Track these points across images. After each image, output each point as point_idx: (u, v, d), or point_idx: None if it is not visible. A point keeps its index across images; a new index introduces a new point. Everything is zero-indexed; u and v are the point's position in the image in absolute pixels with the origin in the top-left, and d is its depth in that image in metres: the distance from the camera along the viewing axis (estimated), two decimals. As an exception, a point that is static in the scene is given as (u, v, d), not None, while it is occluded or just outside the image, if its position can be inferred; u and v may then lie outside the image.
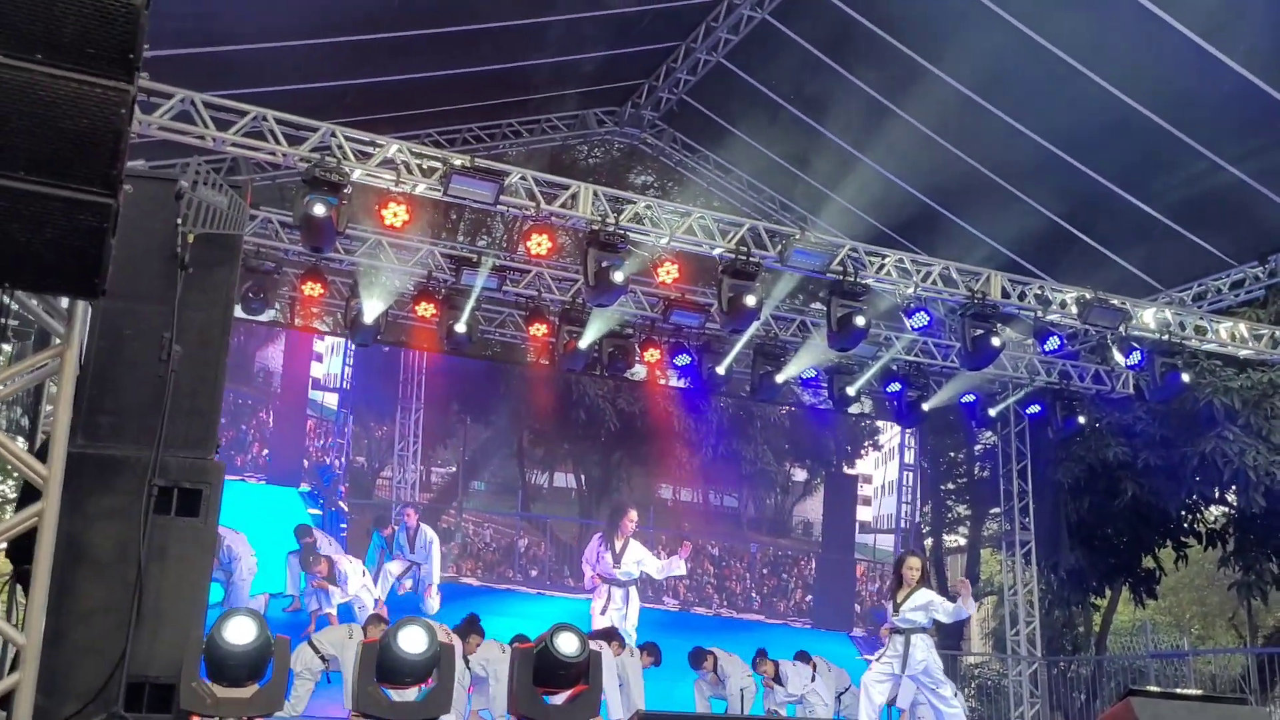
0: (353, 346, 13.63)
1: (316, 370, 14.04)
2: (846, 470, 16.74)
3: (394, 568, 13.32)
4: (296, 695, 10.08)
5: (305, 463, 13.73)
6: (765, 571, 15.70)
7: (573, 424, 14.83)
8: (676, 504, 15.59)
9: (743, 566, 15.65)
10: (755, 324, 11.66)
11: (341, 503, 13.66)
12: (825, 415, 15.97)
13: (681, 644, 12.98)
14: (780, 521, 16.19)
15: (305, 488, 13.51)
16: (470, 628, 11.32)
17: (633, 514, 13.85)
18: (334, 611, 12.59)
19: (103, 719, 4.46)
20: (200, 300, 5.36)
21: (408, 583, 13.35)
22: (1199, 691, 7.80)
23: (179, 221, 5.20)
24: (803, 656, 13.48)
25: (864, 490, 16.78)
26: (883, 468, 17.01)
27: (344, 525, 13.57)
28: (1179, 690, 7.15)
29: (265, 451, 13.52)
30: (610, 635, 12.10)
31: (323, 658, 10.35)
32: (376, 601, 12.86)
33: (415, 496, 14.04)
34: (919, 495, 16.87)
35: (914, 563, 9.25)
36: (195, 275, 5.29)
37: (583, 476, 15.27)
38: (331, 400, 14.16)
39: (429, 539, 13.55)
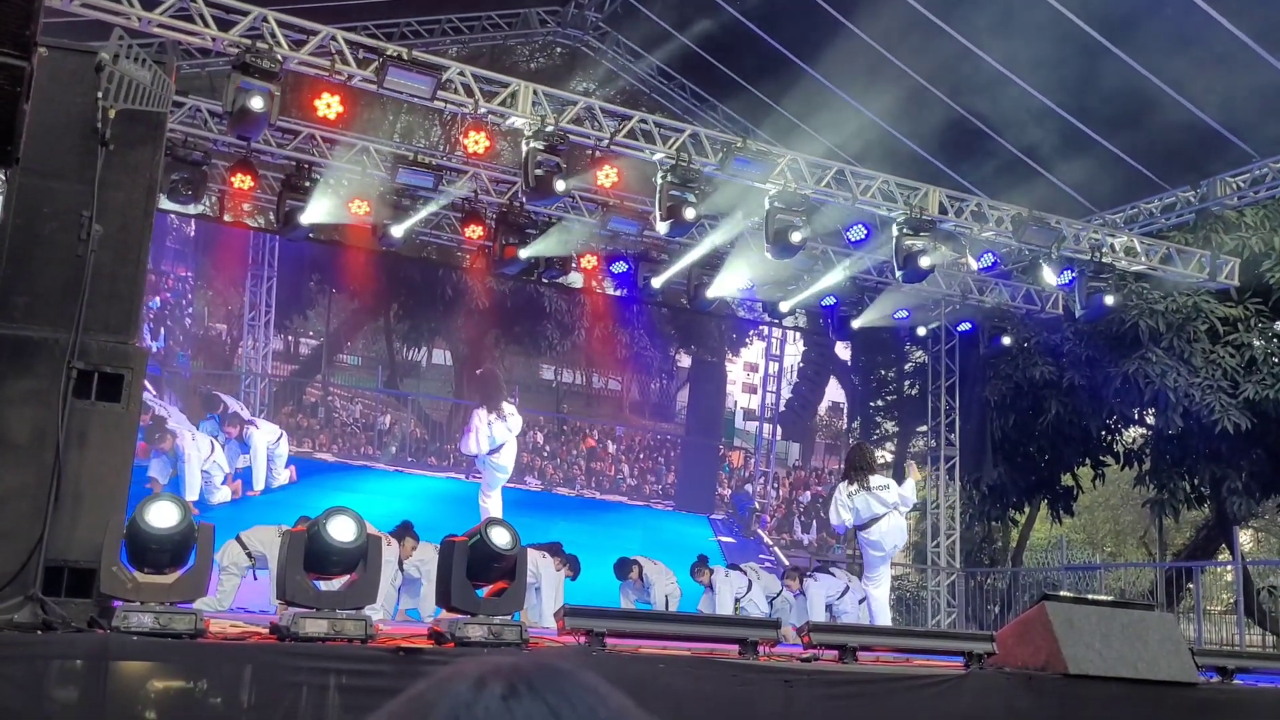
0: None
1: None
2: (730, 358, 16.78)
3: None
4: (223, 590, 10.02)
5: None
6: (641, 455, 15.70)
7: (439, 299, 14.33)
8: (559, 385, 15.40)
9: (619, 449, 15.62)
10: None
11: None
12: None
13: (539, 524, 12.91)
14: (664, 406, 16.18)
15: None
16: (406, 532, 11.32)
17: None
18: (163, 482, 12.11)
19: (19, 601, 4.38)
20: (121, 179, 5.17)
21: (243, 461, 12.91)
22: (1110, 597, 8.08)
23: (99, 95, 4.99)
24: (734, 566, 13.69)
25: (751, 379, 16.87)
26: (766, 357, 17.20)
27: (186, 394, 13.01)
28: (1090, 596, 7.39)
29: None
30: (554, 550, 12.18)
31: (249, 554, 10.27)
32: (226, 477, 12.54)
33: (270, 368, 13.53)
34: (781, 385, 17.10)
35: None
36: (116, 153, 5.10)
37: (452, 354, 14.74)
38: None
39: (251, 442, 12.90)
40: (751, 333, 16.94)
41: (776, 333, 16.95)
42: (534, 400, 13.49)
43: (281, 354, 13.72)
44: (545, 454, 14.95)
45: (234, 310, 13.59)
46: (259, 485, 12.95)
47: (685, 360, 16.46)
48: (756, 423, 16.89)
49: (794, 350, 17.62)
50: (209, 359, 13.37)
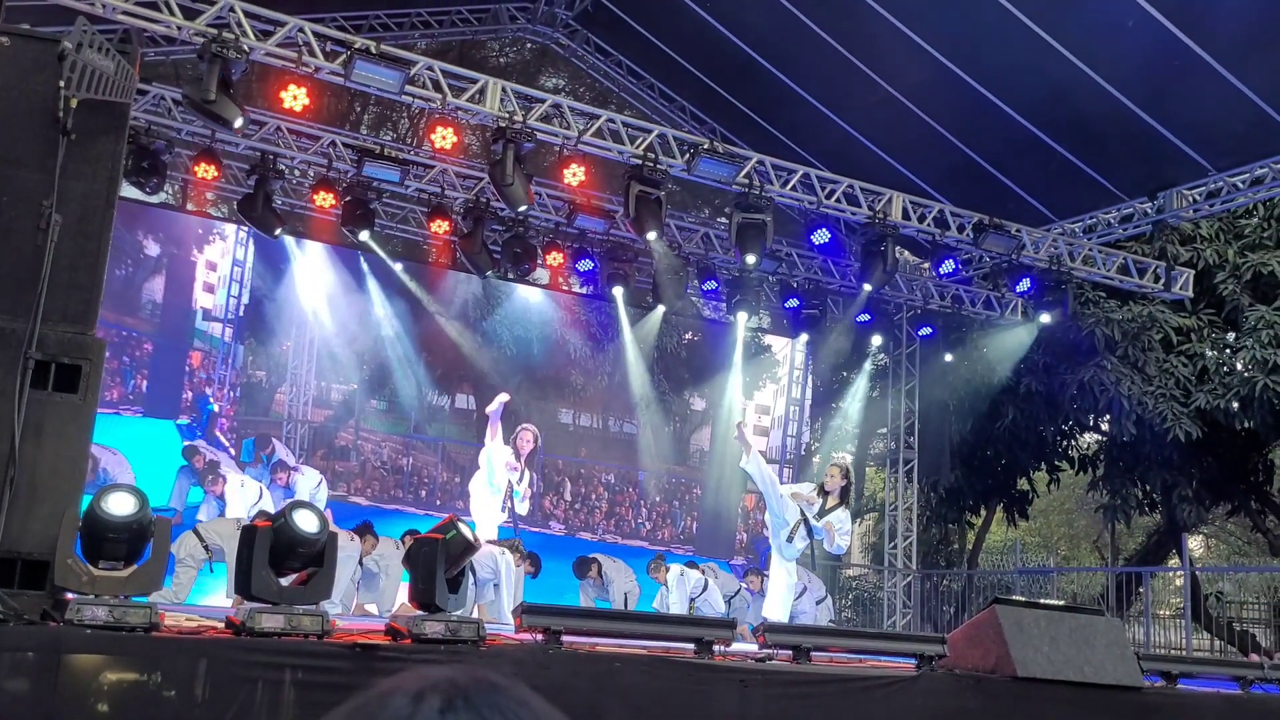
0: (245, 278, 13.41)
1: (206, 301, 13.43)
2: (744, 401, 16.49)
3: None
4: (179, 583, 9.96)
5: (187, 395, 13.12)
6: (658, 499, 15.69)
7: (468, 346, 14.49)
8: (576, 429, 15.41)
9: (635, 493, 15.61)
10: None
11: (220, 434, 13.18)
12: (725, 347, 15.79)
13: (562, 568, 12.90)
14: (678, 449, 16.09)
15: (184, 420, 12.96)
16: (367, 530, 11.36)
17: (527, 434, 12.50)
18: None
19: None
20: (83, 169, 5.14)
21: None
22: (1060, 602, 8.21)
23: (61, 84, 4.96)
24: (692, 565, 13.74)
25: (762, 421, 16.72)
26: (781, 399, 17.01)
27: (231, 444, 13.24)
28: (1041, 600, 7.51)
29: (145, 384, 12.90)
30: (514, 547, 12.18)
31: (207, 547, 10.23)
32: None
33: (309, 414, 13.73)
34: (802, 428, 16.92)
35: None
36: (78, 143, 5.06)
37: (479, 399, 14.47)
38: (219, 331, 13.53)
39: (295, 489, 12.74)
40: (764, 376, 16.73)
41: (796, 375, 16.70)
42: (553, 445, 13.42)
43: (317, 399, 13.88)
44: (567, 499, 15.09)
45: (275, 356, 13.73)
46: None
47: (698, 404, 16.32)
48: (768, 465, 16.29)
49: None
50: (248, 405, 13.51)
